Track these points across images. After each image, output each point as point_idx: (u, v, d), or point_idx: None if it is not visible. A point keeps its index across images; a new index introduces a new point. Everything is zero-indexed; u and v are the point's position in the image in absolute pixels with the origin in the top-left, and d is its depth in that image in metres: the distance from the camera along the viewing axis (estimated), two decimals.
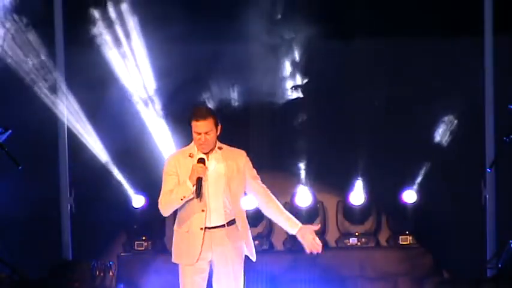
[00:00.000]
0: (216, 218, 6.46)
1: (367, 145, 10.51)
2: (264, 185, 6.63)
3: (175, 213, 6.62)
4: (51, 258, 10.38)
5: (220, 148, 6.56)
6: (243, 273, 6.55)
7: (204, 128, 6.41)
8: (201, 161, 6.40)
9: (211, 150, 6.51)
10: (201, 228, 6.44)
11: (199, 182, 6.33)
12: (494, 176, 10.43)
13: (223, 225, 6.48)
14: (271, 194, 6.62)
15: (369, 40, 10.65)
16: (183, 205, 6.47)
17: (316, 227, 6.68)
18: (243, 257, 6.55)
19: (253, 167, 6.66)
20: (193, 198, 6.41)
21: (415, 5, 10.38)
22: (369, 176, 10.49)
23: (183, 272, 6.52)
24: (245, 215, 6.62)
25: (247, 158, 6.61)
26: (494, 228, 10.44)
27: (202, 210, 6.44)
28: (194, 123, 6.43)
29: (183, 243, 6.51)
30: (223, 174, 6.47)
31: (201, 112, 6.48)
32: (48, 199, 10.52)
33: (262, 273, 9.77)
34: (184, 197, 6.37)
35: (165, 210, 6.49)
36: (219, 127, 6.52)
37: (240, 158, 6.57)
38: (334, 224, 10.70)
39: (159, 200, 6.50)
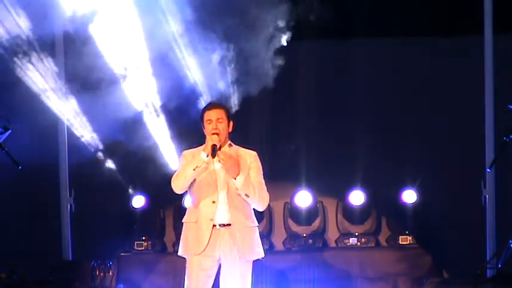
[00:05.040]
0: (225, 214, 6.45)
1: (367, 145, 10.51)
2: (262, 185, 6.56)
3: (182, 210, 6.60)
4: (51, 258, 10.39)
5: (230, 145, 6.59)
6: (250, 273, 6.53)
7: (215, 115, 6.50)
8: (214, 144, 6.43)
9: (222, 145, 6.52)
10: (211, 219, 6.43)
11: (214, 148, 6.36)
12: (494, 176, 10.42)
13: (229, 224, 6.46)
14: (260, 190, 6.52)
15: (368, 40, 10.66)
16: (195, 195, 6.48)
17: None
18: (252, 257, 6.52)
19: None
20: (205, 168, 6.38)
21: (415, 5, 10.38)
22: (369, 176, 10.49)
23: (189, 267, 6.50)
24: (252, 214, 6.60)
25: (257, 158, 6.61)
26: (494, 228, 10.44)
27: (213, 202, 6.44)
28: (206, 113, 6.52)
29: (191, 233, 6.49)
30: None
31: (214, 103, 6.73)
32: (48, 199, 10.53)
33: (262, 273, 9.77)
34: (197, 167, 6.36)
35: (177, 183, 6.44)
36: (231, 123, 6.58)
37: (248, 156, 6.58)
38: (334, 224, 10.70)
39: (172, 179, 6.49)
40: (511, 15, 10.46)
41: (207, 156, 6.35)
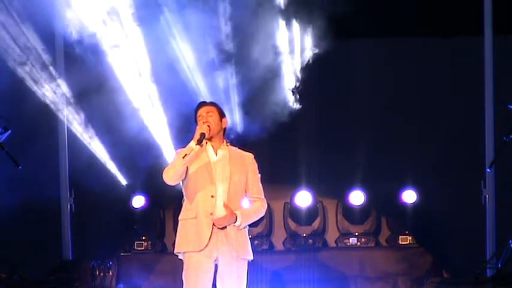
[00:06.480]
0: (222, 210, 6.41)
1: (367, 145, 10.52)
2: (261, 197, 6.59)
3: (179, 207, 6.58)
4: (51, 258, 10.39)
5: (227, 145, 6.60)
6: (246, 273, 6.52)
7: (205, 110, 6.54)
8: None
9: (219, 143, 6.54)
10: (211, 213, 6.39)
11: (202, 136, 6.37)
12: (494, 176, 10.43)
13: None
14: (259, 203, 6.57)
15: (369, 40, 10.67)
16: (191, 191, 6.46)
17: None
18: (247, 257, 6.51)
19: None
20: (196, 156, 6.38)
21: (415, 5, 10.39)
22: (369, 176, 10.49)
23: (188, 268, 6.45)
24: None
25: (254, 160, 6.61)
26: (494, 228, 10.44)
27: (212, 196, 6.41)
28: (199, 112, 6.56)
29: (190, 229, 6.43)
30: (228, 166, 6.48)
31: (203, 101, 6.72)
32: (48, 199, 10.53)
33: (262, 273, 9.78)
34: (186, 155, 6.33)
35: (168, 173, 6.40)
36: (224, 120, 6.59)
37: (246, 157, 6.59)
38: (334, 223, 10.71)
39: (163, 171, 6.47)
40: (511, 15, 10.47)
41: (196, 144, 6.35)
